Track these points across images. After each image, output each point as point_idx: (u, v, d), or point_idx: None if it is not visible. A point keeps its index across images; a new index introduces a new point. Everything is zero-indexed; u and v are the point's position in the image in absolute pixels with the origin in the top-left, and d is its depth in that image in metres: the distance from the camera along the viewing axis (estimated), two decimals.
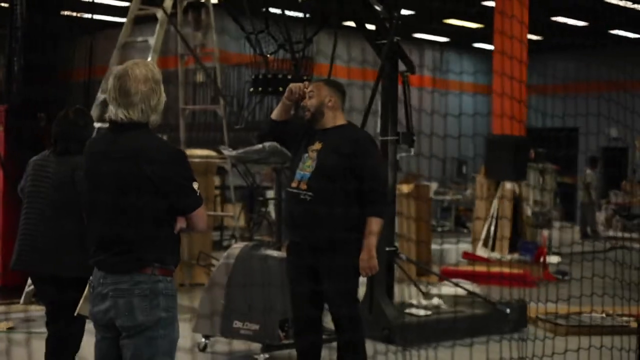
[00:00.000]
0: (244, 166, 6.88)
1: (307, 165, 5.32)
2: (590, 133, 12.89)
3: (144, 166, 3.51)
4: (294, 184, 5.34)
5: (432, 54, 24.60)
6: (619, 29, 21.20)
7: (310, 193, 5.24)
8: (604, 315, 8.97)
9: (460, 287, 8.39)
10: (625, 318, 8.76)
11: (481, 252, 13.55)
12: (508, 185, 13.79)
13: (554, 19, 19.78)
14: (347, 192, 5.24)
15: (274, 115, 5.54)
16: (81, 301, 4.63)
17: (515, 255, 13.24)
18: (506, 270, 12.02)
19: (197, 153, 10.00)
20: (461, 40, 24.07)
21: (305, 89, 5.40)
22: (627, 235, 19.12)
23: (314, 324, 5.48)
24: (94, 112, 9.36)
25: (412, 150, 7.73)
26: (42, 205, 4.97)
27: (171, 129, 11.02)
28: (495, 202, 13.89)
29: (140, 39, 9.30)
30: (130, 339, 3.57)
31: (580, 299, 7.63)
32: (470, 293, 8.39)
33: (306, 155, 5.36)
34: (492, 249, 13.80)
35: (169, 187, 3.54)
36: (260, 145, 6.63)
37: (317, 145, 5.34)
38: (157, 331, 3.56)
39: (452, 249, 14.02)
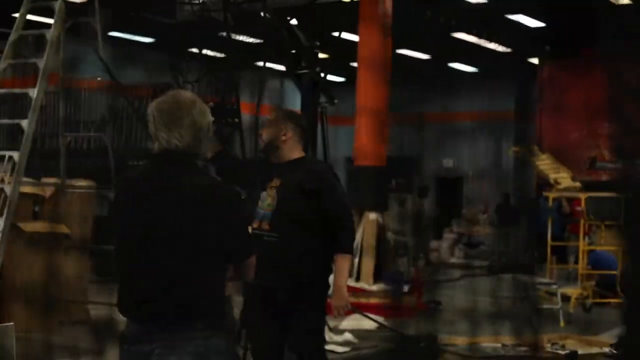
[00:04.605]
0: None
1: (267, 204, 4.98)
2: (424, 163, 13.18)
3: (197, 208, 3.12)
4: (255, 225, 4.97)
5: (272, 83, 24.60)
6: (460, 62, 21.98)
7: (274, 234, 4.91)
8: (500, 345, 9.09)
9: (374, 320, 8.26)
10: (522, 348, 8.90)
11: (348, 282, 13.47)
12: (372, 215, 13.84)
13: (398, 51, 20.20)
14: (312, 230, 4.96)
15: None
16: None
17: (382, 286, 13.27)
18: (383, 301, 12.03)
19: (80, 184, 9.37)
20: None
21: None
22: (468, 262, 19.79)
23: None
24: None
25: None
26: None
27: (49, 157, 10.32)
28: (359, 232, 13.89)
29: (31, 60, 8.62)
30: None
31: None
32: (382, 326, 8.28)
33: (264, 193, 5.03)
34: (357, 279, 13.77)
35: (224, 231, 3.15)
36: None
37: (276, 182, 5.01)
38: None
39: None
